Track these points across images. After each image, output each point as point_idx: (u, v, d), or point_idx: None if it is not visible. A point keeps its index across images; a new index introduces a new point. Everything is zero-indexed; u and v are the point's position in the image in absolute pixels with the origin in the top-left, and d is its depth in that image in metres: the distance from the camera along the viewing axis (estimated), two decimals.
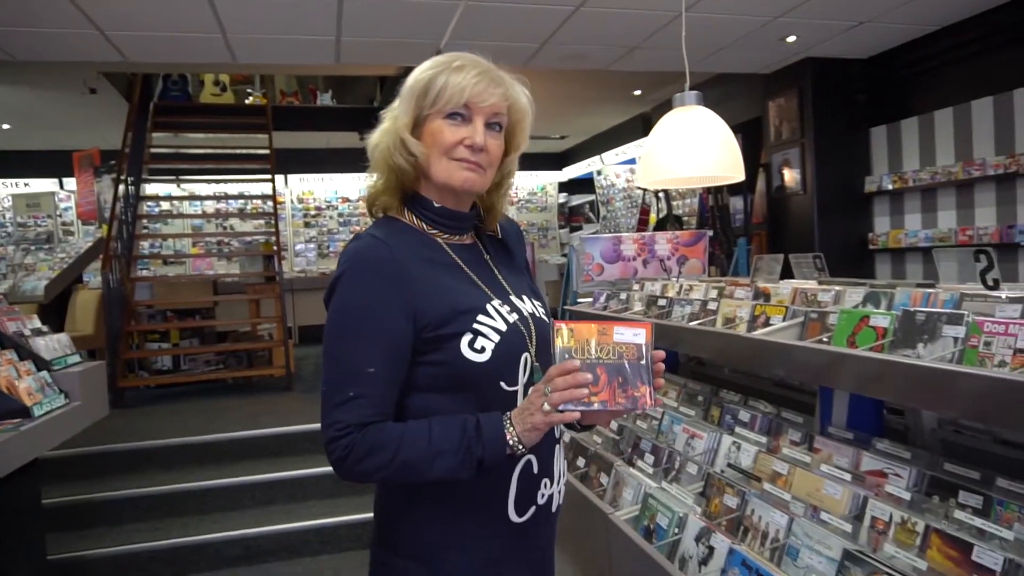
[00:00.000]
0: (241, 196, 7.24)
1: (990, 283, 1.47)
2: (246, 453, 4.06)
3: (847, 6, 4.19)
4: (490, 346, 1.08)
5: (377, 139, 1.14)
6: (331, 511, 3.61)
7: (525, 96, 1.14)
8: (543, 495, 1.14)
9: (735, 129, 2.78)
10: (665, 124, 2.65)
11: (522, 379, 1.12)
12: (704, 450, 1.96)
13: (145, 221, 6.69)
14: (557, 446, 1.19)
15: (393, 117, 1.12)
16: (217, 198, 7.71)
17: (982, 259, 1.47)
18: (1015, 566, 1.06)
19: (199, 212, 8.30)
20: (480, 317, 1.09)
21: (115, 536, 3.40)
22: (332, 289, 1.07)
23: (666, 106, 2.73)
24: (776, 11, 4.21)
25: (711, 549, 1.47)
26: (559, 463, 1.19)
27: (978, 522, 1.22)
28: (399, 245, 1.09)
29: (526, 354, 1.12)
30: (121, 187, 5.74)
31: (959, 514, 1.25)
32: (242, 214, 8.12)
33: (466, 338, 1.06)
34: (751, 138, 6.06)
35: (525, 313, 1.16)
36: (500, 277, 1.19)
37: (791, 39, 4.75)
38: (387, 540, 1.13)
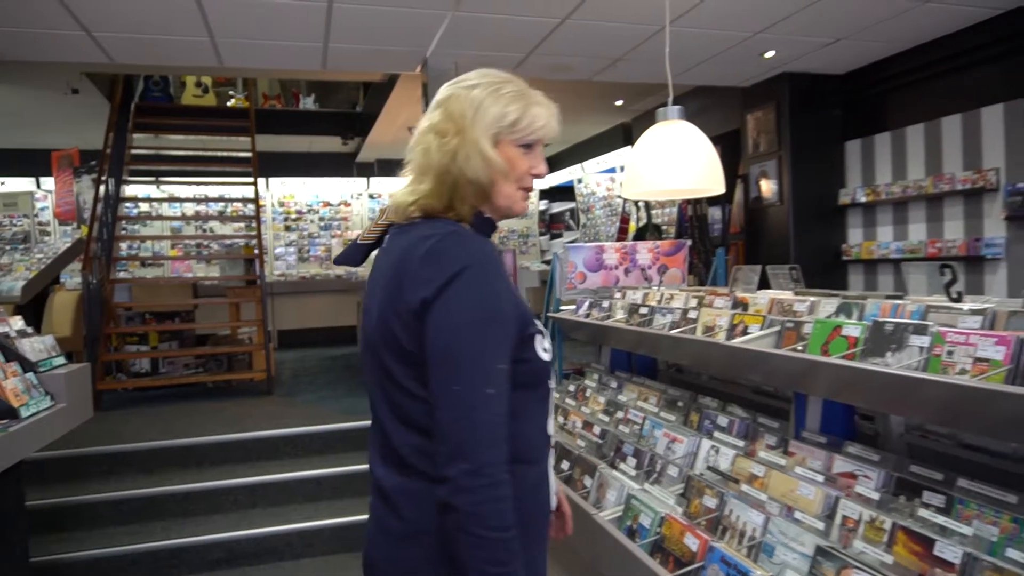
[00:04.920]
0: (221, 199, 7.20)
1: (954, 295, 1.56)
2: (228, 457, 4.05)
3: (824, 23, 4.32)
4: (549, 346, 1.18)
5: (432, 143, 1.14)
6: (313, 515, 3.62)
7: None
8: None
9: (714, 140, 2.87)
10: (649, 137, 2.73)
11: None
12: (684, 453, 2.03)
13: (124, 222, 6.64)
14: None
15: (459, 130, 1.12)
16: (197, 200, 7.66)
17: (947, 273, 1.56)
18: (973, 559, 1.14)
19: (178, 214, 8.23)
20: (536, 320, 1.17)
21: (96, 539, 3.39)
22: (446, 285, 1.03)
23: (647, 116, 2.81)
24: (756, 27, 4.32)
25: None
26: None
27: (940, 519, 1.30)
28: None
29: None
30: (102, 188, 5.71)
31: (923, 512, 1.33)
32: (222, 217, 8.08)
33: (538, 338, 1.14)
34: (729, 149, 6.18)
35: None
36: None
37: (770, 54, 4.87)
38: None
